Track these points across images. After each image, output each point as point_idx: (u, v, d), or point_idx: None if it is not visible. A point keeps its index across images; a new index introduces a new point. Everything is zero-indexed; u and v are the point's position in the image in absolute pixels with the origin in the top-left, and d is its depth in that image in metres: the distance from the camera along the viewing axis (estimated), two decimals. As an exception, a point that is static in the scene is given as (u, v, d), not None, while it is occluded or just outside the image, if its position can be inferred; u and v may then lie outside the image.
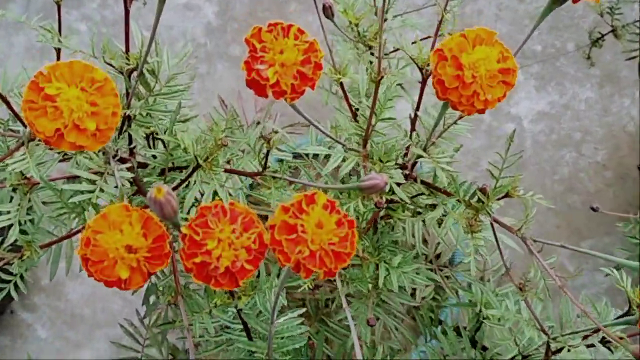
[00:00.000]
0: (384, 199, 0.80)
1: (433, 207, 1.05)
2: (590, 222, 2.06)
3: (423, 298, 1.16)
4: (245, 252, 0.61)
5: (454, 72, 0.68)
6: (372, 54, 1.22)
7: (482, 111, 0.71)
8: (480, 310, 1.17)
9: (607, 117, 2.12)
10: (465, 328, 1.23)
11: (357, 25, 1.14)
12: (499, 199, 0.84)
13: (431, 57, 0.70)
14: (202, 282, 0.61)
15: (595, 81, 2.14)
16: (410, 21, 1.15)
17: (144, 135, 0.99)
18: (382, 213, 1.07)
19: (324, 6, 0.81)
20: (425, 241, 1.36)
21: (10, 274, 0.94)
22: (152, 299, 1.26)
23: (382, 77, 0.78)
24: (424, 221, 1.08)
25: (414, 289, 1.30)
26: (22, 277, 0.93)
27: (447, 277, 1.30)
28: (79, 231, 0.99)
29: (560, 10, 2.28)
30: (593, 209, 1.06)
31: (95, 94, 0.67)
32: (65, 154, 1.04)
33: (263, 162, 0.83)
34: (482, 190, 0.79)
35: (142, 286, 0.66)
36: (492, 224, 0.83)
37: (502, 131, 2.12)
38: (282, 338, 0.82)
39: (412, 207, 1.09)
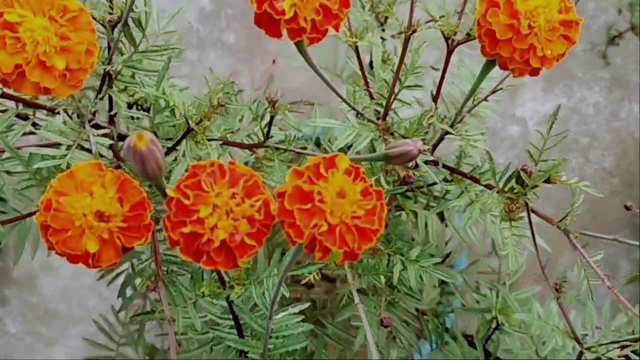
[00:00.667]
0: (412, 176, 0.67)
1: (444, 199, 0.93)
2: (594, 231, 1.96)
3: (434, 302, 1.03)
4: (247, 223, 0.47)
5: (507, 21, 0.55)
6: (383, 30, 1.10)
7: (536, 72, 0.58)
8: (495, 317, 1.04)
9: (615, 122, 2.01)
10: (472, 337, 1.10)
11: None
12: (535, 187, 0.71)
13: (479, 3, 0.57)
14: (190, 260, 0.47)
15: (605, 85, 2.03)
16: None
17: (127, 103, 0.85)
18: (390, 206, 0.94)
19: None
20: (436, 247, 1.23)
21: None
22: (129, 291, 1.12)
23: (414, 30, 0.65)
24: (439, 214, 0.95)
25: (421, 291, 1.17)
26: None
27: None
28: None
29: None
30: (627, 208, 0.93)
31: (66, 26, 0.53)
32: (36, 124, 0.90)
33: (266, 132, 0.69)
34: (525, 171, 0.66)
35: (114, 264, 0.52)
36: (528, 215, 0.70)
37: (506, 133, 2.00)
38: (278, 338, 0.68)
39: (425, 198, 0.96)
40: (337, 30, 0.53)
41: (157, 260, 0.61)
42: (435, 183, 0.90)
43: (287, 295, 0.63)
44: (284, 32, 0.53)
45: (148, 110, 0.86)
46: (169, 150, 0.71)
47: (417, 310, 1.11)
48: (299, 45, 0.56)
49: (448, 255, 1.17)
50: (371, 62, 1.02)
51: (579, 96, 2.02)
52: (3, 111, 0.82)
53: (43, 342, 1.92)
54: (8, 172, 0.81)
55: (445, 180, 0.83)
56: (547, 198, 1.60)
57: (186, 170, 0.65)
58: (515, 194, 0.67)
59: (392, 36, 1.07)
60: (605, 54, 1.65)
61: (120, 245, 0.52)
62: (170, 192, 0.47)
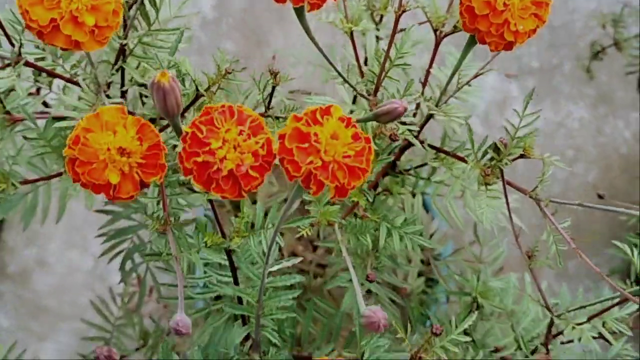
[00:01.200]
0: (396, 134, 0.74)
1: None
2: (576, 244, 2.03)
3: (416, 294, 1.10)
4: (252, 157, 0.55)
5: (484, -2, 0.64)
6: (378, 29, 1.18)
7: (510, 46, 0.67)
8: (475, 299, 1.11)
9: (600, 137, 2.11)
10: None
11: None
12: (514, 159, 0.79)
13: (460, -17, 0.66)
14: (202, 187, 0.55)
15: (590, 101, 2.12)
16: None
17: (140, 79, 0.93)
18: (379, 189, 1.02)
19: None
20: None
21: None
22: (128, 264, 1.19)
23: (404, 11, 0.73)
24: (423, 205, 1.03)
25: (405, 278, 1.24)
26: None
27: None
28: (60, 174, 0.93)
29: (558, 27, 2.29)
30: (600, 196, 1.01)
31: (97, -13, 0.61)
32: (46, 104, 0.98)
33: (267, 101, 0.77)
34: (501, 142, 0.74)
35: (133, 197, 0.59)
36: (503, 184, 0.78)
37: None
38: (272, 290, 0.75)
39: (412, 182, 1.04)
40: (334, -1, 0.62)
41: (165, 204, 0.68)
42: (423, 165, 0.98)
43: (282, 244, 0.70)
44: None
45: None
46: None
47: (401, 293, 1.18)
48: (299, 11, 0.64)
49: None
50: (366, 59, 1.11)
51: (565, 111, 2.11)
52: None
53: (34, 337, 1.95)
54: (25, 137, 0.88)
55: (432, 159, 0.91)
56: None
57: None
58: (491, 163, 0.75)
59: (387, 36, 1.16)
60: (589, 68, 1.75)
61: (138, 180, 0.59)
62: (185, 128, 0.55)
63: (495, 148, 0.75)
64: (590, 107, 2.11)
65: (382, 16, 1.12)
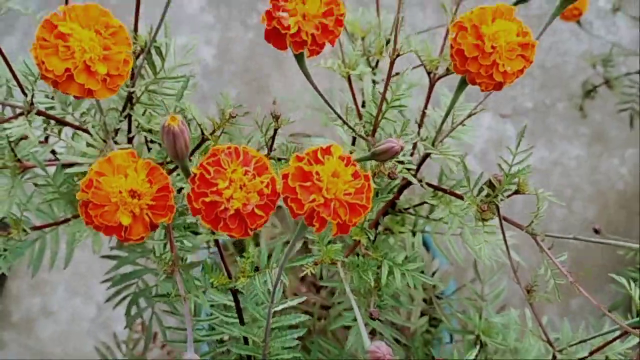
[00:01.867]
0: (395, 172, 0.77)
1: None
2: (575, 279, 2.05)
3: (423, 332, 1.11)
4: (258, 196, 0.58)
5: (473, 41, 0.67)
6: (374, 73, 1.22)
7: (499, 86, 0.70)
8: (478, 337, 1.12)
9: (596, 174, 2.14)
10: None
11: (363, 38, 1.15)
12: (509, 196, 0.82)
13: (451, 28, 0.69)
14: (210, 226, 0.57)
15: (585, 140, 2.16)
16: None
17: (146, 125, 0.96)
18: (379, 228, 1.04)
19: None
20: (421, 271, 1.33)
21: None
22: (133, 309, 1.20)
23: (398, 55, 0.77)
24: (423, 243, 1.05)
25: (409, 317, 1.25)
26: None
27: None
28: (67, 220, 0.95)
29: (550, 69, 2.34)
30: (596, 231, 1.03)
31: (109, 39, 0.65)
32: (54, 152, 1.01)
33: (269, 143, 0.80)
34: (496, 178, 0.77)
35: (143, 238, 0.61)
36: (499, 219, 0.80)
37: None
38: (277, 329, 0.77)
39: (412, 221, 1.06)
40: (332, 44, 0.65)
41: (172, 246, 0.71)
42: (422, 203, 1.00)
43: (287, 283, 0.72)
44: (289, 44, 0.64)
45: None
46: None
47: (405, 333, 1.19)
48: (300, 57, 0.67)
49: (434, 287, 1.27)
50: (363, 103, 1.15)
51: (560, 150, 2.15)
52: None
53: (39, 385, 1.96)
54: (35, 185, 0.91)
55: (430, 197, 0.93)
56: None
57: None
58: (487, 198, 0.77)
59: (382, 80, 1.20)
60: (582, 107, 1.79)
61: (148, 221, 0.62)
62: (194, 169, 0.58)
63: (490, 184, 0.78)
64: (585, 145, 2.15)
65: (377, 61, 1.17)
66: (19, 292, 2.08)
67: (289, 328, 0.77)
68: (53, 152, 1.04)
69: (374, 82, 1.19)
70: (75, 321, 2.08)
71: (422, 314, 1.31)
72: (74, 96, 0.65)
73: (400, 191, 0.95)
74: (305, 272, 0.75)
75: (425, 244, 1.34)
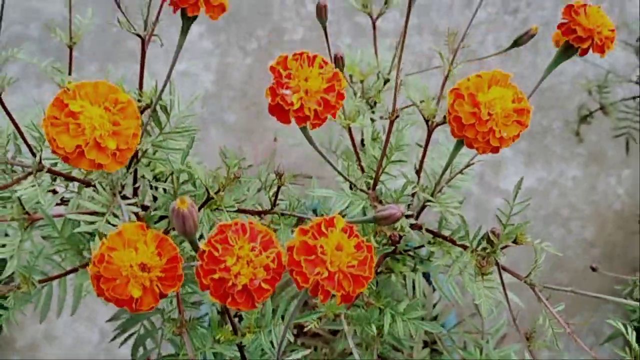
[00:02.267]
0: (398, 235, 0.80)
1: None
2: (576, 301, 2.07)
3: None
4: (264, 270, 0.60)
5: (470, 109, 0.70)
6: (373, 112, 1.25)
7: (496, 150, 0.72)
8: (479, 372, 1.14)
9: (593, 195, 2.16)
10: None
11: (362, 82, 1.17)
12: (505, 247, 0.84)
13: (448, 95, 0.72)
14: (218, 300, 0.60)
15: (582, 160, 2.19)
16: (414, 82, 1.19)
17: (151, 177, 0.98)
18: (381, 268, 1.06)
19: (318, 6, 0.82)
20: (422, 306, 1.35)
21: (4, 308, 0.91)
22: (140, 350, 1.22)
23: (397, 116, 0.79)
24: (424, 274, 1.07)
25: (411, 355, 1.27)
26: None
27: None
28: (75, 270, 0.97)
29: (546, 90, 2.37)
30: (593, 269, 1.06)
31: (118, 114, 0.67)
32: (64, 199, 1.03)
33: (273, 200, 0.83)
34: (493, 233, 0.80)
35: (153, 308, 0.64)
36: (499, 270, 0.83)
37: (491, 204, 2.14)
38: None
39: (412, 261, 1.09)
40: (334, 117, 0.68)
41: (180, 308, 0.73)
42: (421, 246, 1.03)
43: (292, 339, 0.74)
44: (292, 119, 0.67)
45: (165, 181, 1.00)
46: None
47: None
48: (303, 129, 0.70)
49: (436, 317, 1.29)
50: (362, 140, 1.17)
51: (558, 171, 2.18)
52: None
53: (43, 412, 1.97)
54: (44, 237, 0.93)
55: (429, 243, 0.96)
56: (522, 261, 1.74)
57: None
58: (486, 252, 0.80)
59: (381, 117, 1.23)
60: (578, 131, 1.82)
61: (158, 292, 0.64)
62: (202, 246, 0.60)
63: (489, 239, 0.80)
64: (582, 166, 2.18)
65: (375, 102, 1.19)
66: (22, 319, 2.10)
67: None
68: (61, 199, 1.06)
69: (372, 120, 1.21)
70: (79, 346, 2.10)
71: (425, 346, 1.34)
72: (85, 170, 0.67)
73: (400, 238, 0.98)
74: (309, 327, 0.78)
75: (425, 276, 1.36)
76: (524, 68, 2.37)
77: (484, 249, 0.81)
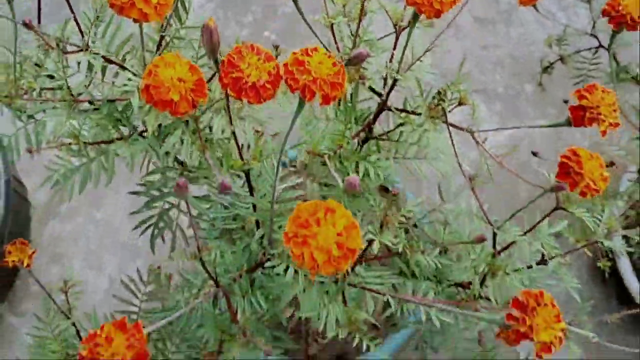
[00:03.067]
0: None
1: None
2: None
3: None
4: (267, 75, 0.88)
5: (418, -20, 0.99)
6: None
7: (438, 13, 1.01)
8: (445, 248, 1.41)
9: (559, 142, 2.46)
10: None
11: (344, 5, 1.46)
12: (453, 108, 1.12)
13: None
14: (234, 94, 0.87)
15: (551, 118, 2.48)
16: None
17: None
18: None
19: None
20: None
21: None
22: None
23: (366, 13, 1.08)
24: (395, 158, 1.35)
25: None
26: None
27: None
28: (112, 141, 1.25)
29: (519, 58, 2.65)
30: (534, 154, 1.34)
31: (158, -23, 0.96)
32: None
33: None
34: (439, 92, 1.08)
35: (187, 112, 0.91)
36: (445, 117, 1.10)
37: (466, 157, 2.42)
38: (282, 202, 1.07)
39: (387, 144, 1.37)
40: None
41: (200, 138, 1.01)
42: (394, 129, 1.31)
43: (288, 163, 1.02)
44: None
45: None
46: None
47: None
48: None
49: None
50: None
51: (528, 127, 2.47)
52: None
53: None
54: (88, 116, 1.21)
55: (400, 125, 1.24)
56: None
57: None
58: (435, 104, 1.08)
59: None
60: (540, 82, 2.11)
61: (191, 100, 0.92)
62: (224, 57, 0.88)
63: (438, 93, 1.08)
64: (551, 121, 2.47)
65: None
66: (39, 266, 2.35)
67: (290, 200, 1.07)
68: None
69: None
70: (88, 293, 2.34)
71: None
72: (133, 20, 0.95)
73: (375, 117, 1.26)
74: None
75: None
76: (500, 38, 2.67)
77: (433, 98, 1.09)
